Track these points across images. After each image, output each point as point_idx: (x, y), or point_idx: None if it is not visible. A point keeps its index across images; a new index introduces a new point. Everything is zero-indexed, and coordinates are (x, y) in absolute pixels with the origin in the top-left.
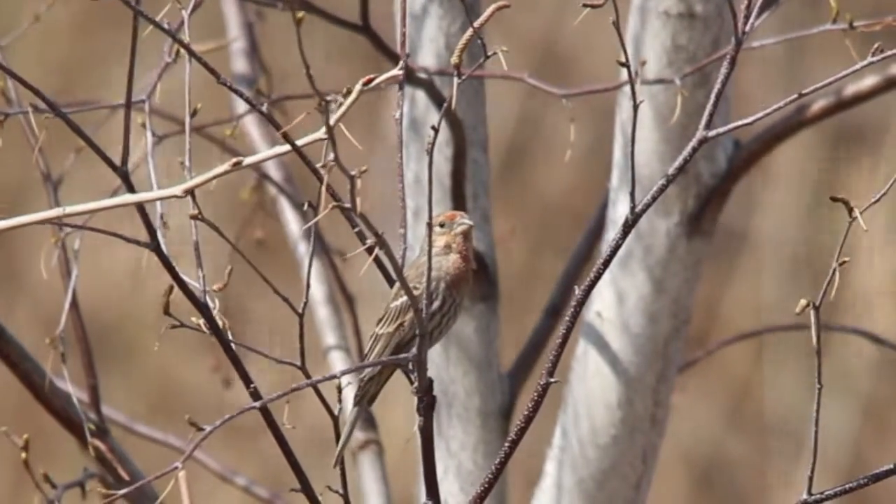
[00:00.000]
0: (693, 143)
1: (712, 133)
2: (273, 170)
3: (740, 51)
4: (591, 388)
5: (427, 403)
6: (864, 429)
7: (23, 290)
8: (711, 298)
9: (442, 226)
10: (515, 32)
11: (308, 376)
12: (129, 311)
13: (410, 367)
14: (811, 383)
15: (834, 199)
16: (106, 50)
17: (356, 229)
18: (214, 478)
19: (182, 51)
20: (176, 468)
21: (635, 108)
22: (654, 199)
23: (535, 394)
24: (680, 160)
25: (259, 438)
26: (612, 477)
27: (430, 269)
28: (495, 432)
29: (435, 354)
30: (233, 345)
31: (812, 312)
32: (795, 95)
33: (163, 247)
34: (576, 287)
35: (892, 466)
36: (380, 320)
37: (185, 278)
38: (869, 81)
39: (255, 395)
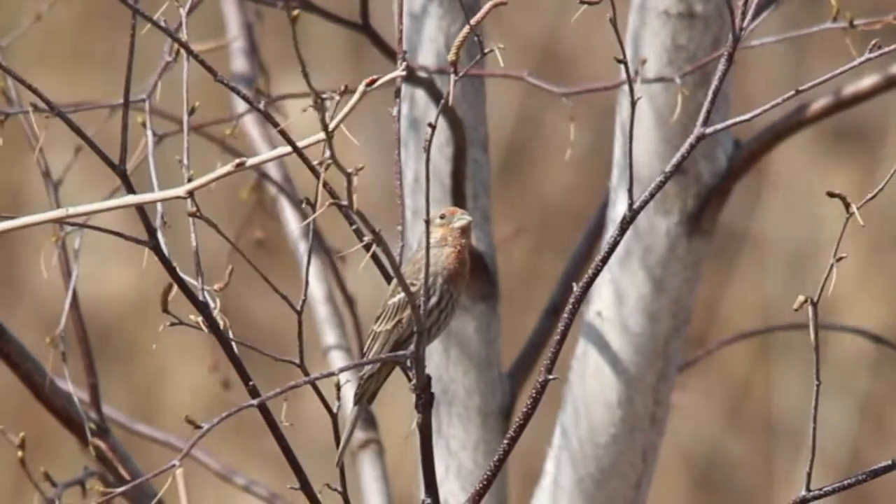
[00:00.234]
0: (691, 139)
1: (710, 129)
2: (272, 169)
3: (739, 49)
4: (591, 387)
5: (425, 400)
6: (861, 428)
7: (23, 290)
8: (711, 298)
9: (442, 217)
10: (515, 32)
11: (307, 374)
12: (129, 311)
13: (409, 363)
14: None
15: (830, 195)
16: (106, 50)
17: (353, 227)
18: (214, 478)
19: (181, 50)
20: (173, 466)
21: (633, 104)
22: (651, 195)
23: (534, 391)
24: (678, 156)
25: (259, 439)
26: (612, 476)
27: (427, 265)
28: (495, 432)
29: (435, 354)
30: (232, 343)
31: (810, 309)
32: (793, 92)
33: (162, 246)
34: (574, 284)
35: (890, 462)
36: (378, 318)
37: (185, 277)
38: (869, 81)
39: (254, 393)
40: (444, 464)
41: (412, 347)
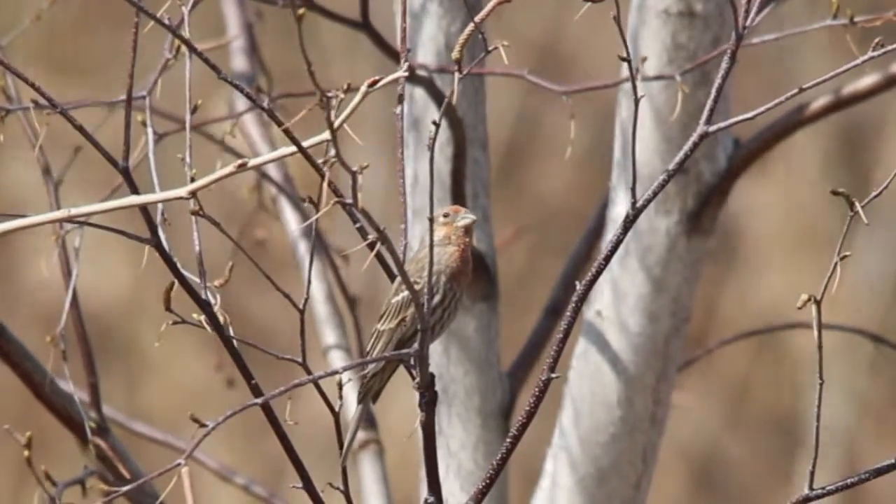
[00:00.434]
0: (694, 137)
1: (713, 128)
2: (272, 169)
3: (740, 47)
4: (590, 386)
5: (429, 398)
6: (860, 427)
7: (23, 289)
8: (710, 297)
9: (446, 216)
10: (515, 32)
11: (309, 372)
12: (129, 311)
13: (412, 362)
14: (809, 382)
15: (835, 193)
16: (106, 50)
17: (357, 225)
18: (212, 478)
19: (182, 48)
20: (179, 465)
21: (636, 101)
22: (655, 193)
23: (537, 389)
24: (681, 155)
25: (257, 440)
26: (611, 476)
27: (431, 263)
28: (495, 432)
29: (435, 354)
30: (234, 341)
31: (813, 307)
32: (796, 90)
33: (164, 243)
34: (577, 283)
35: (893, 461)
36: (381, 316)
37: (186, 274)
38: (868, 80)
39: (257, 391)
40: (443, 463)
41: (416, 345)
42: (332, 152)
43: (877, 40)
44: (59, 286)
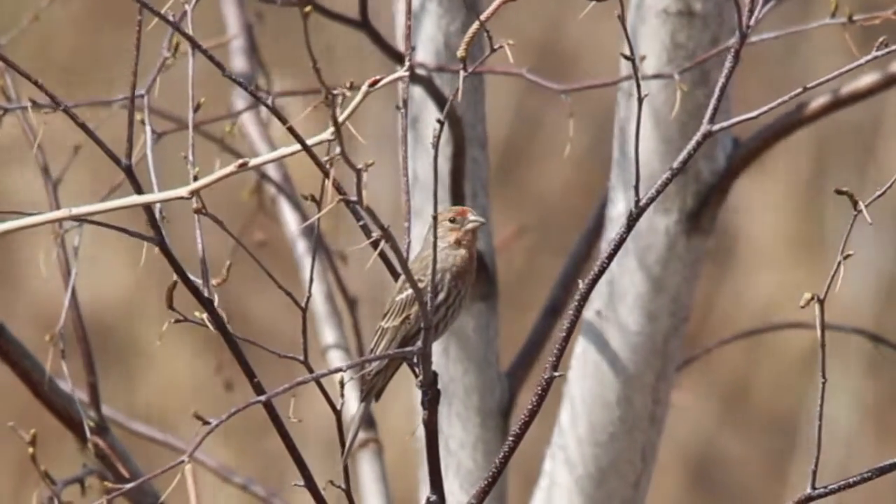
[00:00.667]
0: (697, 136)
1: (716, 127)
2: (272, 169)
3: (744, 45)
4: (589, 386)
5: (432, 397)
6: (859, 427)
7: (23, 289)
8: (709, 297)
9: (452, 221)
10: (513, 31)
11: (311, 371)
12: (130, 313)
13: (415, 360)
14: (808, 381)
15: (839, 192)
16: (105, 50)
17: (361, 223)
18: (211, 478)
19: (181, 48)
20: (182, 462)
21: (640, 99)
22: (658, 192)
23: (539, 388)
24: (684, 154)
25: (255, 439)
26: (610, 475)
27: (434, 260)
28: (494, 431)
29: (435, 353)
30: (235, 339)
31: (816, 306)
32: (800, 90)
33: (166, 241)
34: (579, 281)
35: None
36: (385, 314)
37: (188, 274)
38: (867, 79)
39: (259, 390)
40: (443, 462)
41: (419, 343)
42: (337, 150)
43: (881, 39)
44: (60, 286)
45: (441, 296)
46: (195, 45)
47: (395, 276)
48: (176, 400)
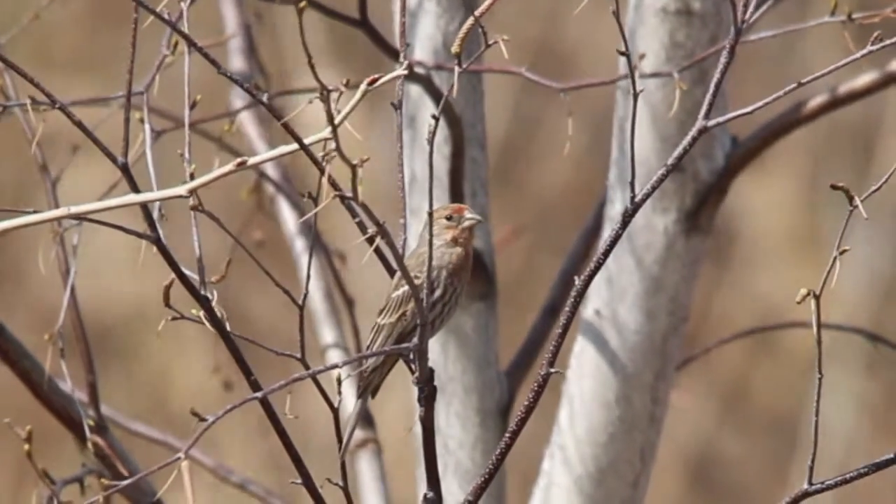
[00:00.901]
0: (693, 132)
1: (712, 122)
2: (270, 168)
3: (739, 43)
4: (588, 385)
5: (428, 393)
6: (858, 427)
7: (23, 289)
8: (708, 296)
9: (449, 219)
10: (512, 31)
11: (307, 368)
12: (129, 313)
13: (411, 356)
14: (807, 381)
15: (834, 188)
16: (106, 48)
17: (357, 220)
18: (209, 477)
19: (180, 46)
20: (178, 459)
21: (635, 95)
22: (653, 188)
23: (536, 384)
24: (679, 150)
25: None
26: (609, 475)
27: (430, 257)
28: (493, 431)
29: (433, 352)
30: (232, 336)
31: (812, 302)
32: (794, 85)
33: (163, 239)
34: (576, 278)
35: (892, 456)
36: (381, 311)
37: (185, 271)
38: (865, 78)
39: (256, 387)
40: (442, 462)
41: (415, 340)
42: (332, 146)
43: (875, 34)
44: (60, 287)
45: (437, 293)
46: (191, 44)
47: (392, 272)
48: (177, 400)
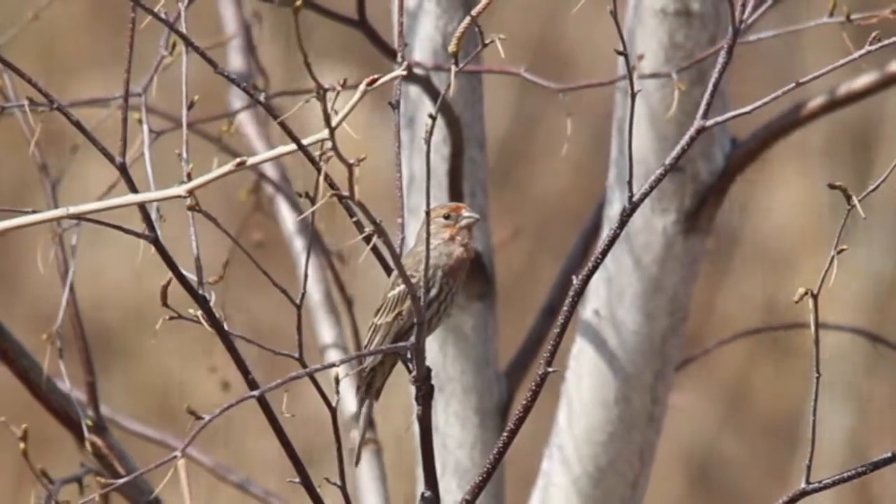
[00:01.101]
0: (691, 131)
1: (710, 122)
2: (269, 168)
3: (737, 43)
4: (587, 385)
5: (425, 392)
6: (858, 428)
7: (22, 289)
8: (708, 296)
9: (447, 217)
10: (510, 32)
11: (305, 367)
12: (128, 313)
13: (409, 355)
14: (807, 382)
15: (832, 187)
16: (106, 49)
17: (354, 219)
18: (208, 478)
19: (178, 47)
20: (175, 457)
21: (633, 95)
22: (651, 188)
23: (534, 384)
24: (678, 149)
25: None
26: (608, 475)
27: (427, 256)
28: (492, 431)
29: (432, 352)
30: (230, 336)
31: (810, 301)
32: (793, 85)
33: (161, 239)
34: (574, 277)
35: (890, 455)
36: (378, 310)
37: (184, 271)
38: (865, 79)
39: (253, 385)
40: (440, 461)
41: (412, 339)
42: (329, 145)
43: (873, 35)
44: (59, 288)
45: (433, 291)
46: (189, 44)
47: (389, 271)
48: (177, 401)
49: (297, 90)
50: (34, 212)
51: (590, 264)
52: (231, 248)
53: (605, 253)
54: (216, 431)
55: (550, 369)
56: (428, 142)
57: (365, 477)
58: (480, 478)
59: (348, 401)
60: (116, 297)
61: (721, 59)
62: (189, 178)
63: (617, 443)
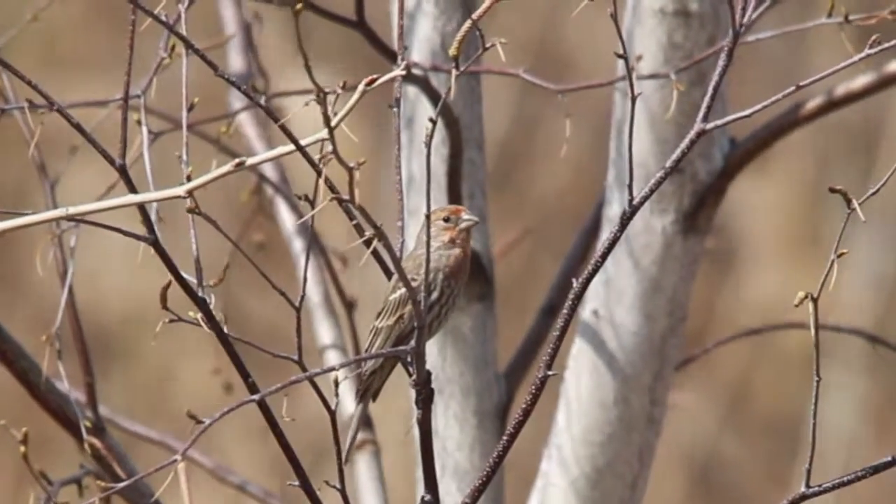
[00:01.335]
0: (691, 134)
1: (710, 125)
2: (269, 169)
3: (737, 44)
4: (586, 386)
5: (425, 396)
6: (859, 429)
7: (21, 290)
8: (707, 297)
9: (447, 220)
10: (510, 33)
11: (305, 370)
12: (128, 315)
13: (409, 359)
14: (807, 383)
15: (832, 190)
16: (106, 50)
17: (354, 222)
18: (208, 477)
19: (178, 48)
20: (175, 461)
21: (633, 98)
22: (651, 191)
23: (534, 387)
24: (678, 152)
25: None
26: (607, 476)
27: (428, 259)
28: (492, 432)
29: (431, 354)
30: (230, 339)
31: (810, 304)
32: (793, 87)
33: (160, 241)
34: (574, 280)
35: (890, 459)
36: (379, 314)
37: (183, 273)
38: (863, 79)
39: (253, 388)
40: (440, 463)
41: (413, 342)
42: (329, 148)
43: (873, 38)
44: (59, 289)
45: (434, 294)
46: (188, 45)
47: (389, 275)
48: (177, 402)
49: (297, 91)
50: (33, 213)
51: (590, 267)
52: (231, 250)
53: (604, 256)
54: (220, 434)
55: (550, 372)
56: (428, 145)
57: (364, 478)
58: (481, 480)
59: (348, 404)
60: (115, 298)
61: (721, 62)
62: (189, 179)
63: (615, 444)
